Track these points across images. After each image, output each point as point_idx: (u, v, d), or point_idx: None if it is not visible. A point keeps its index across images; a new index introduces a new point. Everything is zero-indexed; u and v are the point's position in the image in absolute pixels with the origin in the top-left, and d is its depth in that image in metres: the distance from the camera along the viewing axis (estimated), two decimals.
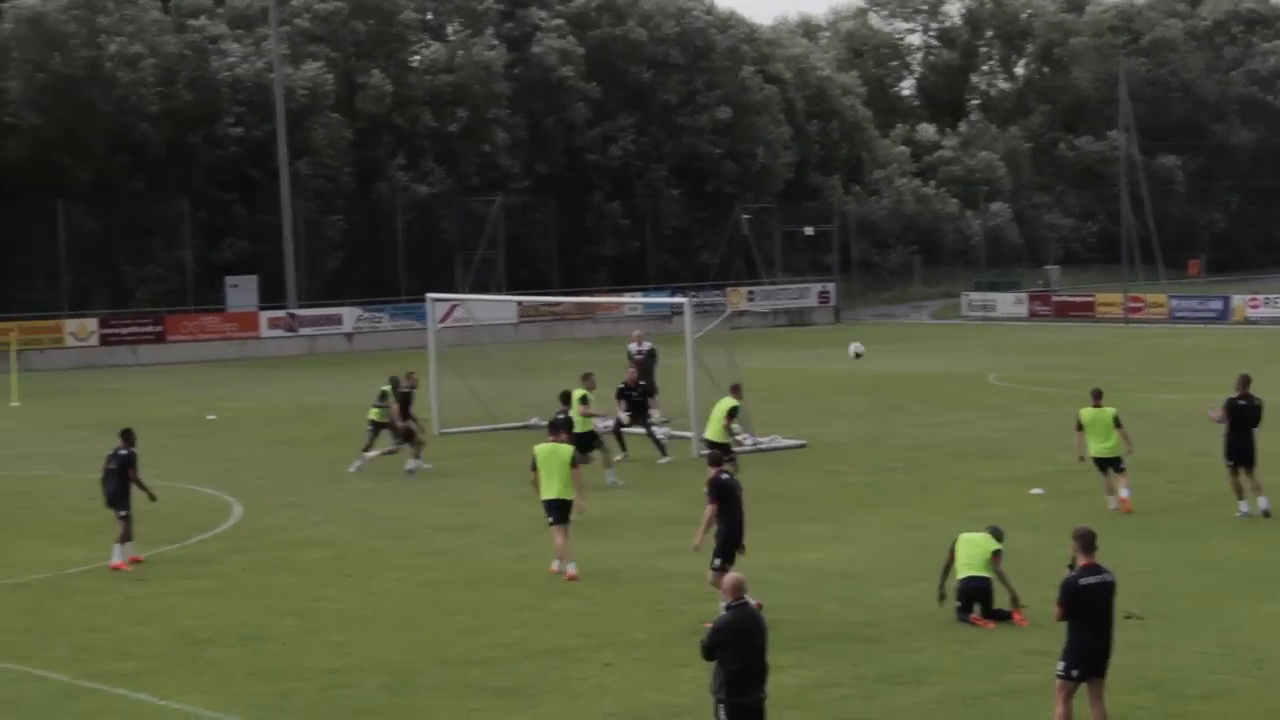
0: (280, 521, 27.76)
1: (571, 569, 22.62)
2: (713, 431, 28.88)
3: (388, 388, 32.79)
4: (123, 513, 24.25)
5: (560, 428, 24.93)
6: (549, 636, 19.65)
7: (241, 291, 68.06)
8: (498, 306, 66.93)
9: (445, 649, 19.16)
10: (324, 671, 18.26)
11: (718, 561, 19.97)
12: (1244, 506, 26.09)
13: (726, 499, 20.12)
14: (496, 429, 38.34)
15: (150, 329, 64.58)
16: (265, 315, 67.25)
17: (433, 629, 20.19)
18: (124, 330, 64.08)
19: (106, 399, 48.97)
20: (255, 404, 47.25)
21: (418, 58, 77.33)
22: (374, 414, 32.82)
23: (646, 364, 40.43)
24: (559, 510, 22.85)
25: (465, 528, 26.97)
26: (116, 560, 24.12)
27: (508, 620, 20.52)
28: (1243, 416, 26.12)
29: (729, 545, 20.12)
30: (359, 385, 49.33)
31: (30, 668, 18.54)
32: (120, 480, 24.40)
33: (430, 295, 42.46)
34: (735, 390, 29.91)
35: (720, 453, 21.74)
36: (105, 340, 63.32)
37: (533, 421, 38.50)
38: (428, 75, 75.88)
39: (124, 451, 24.55)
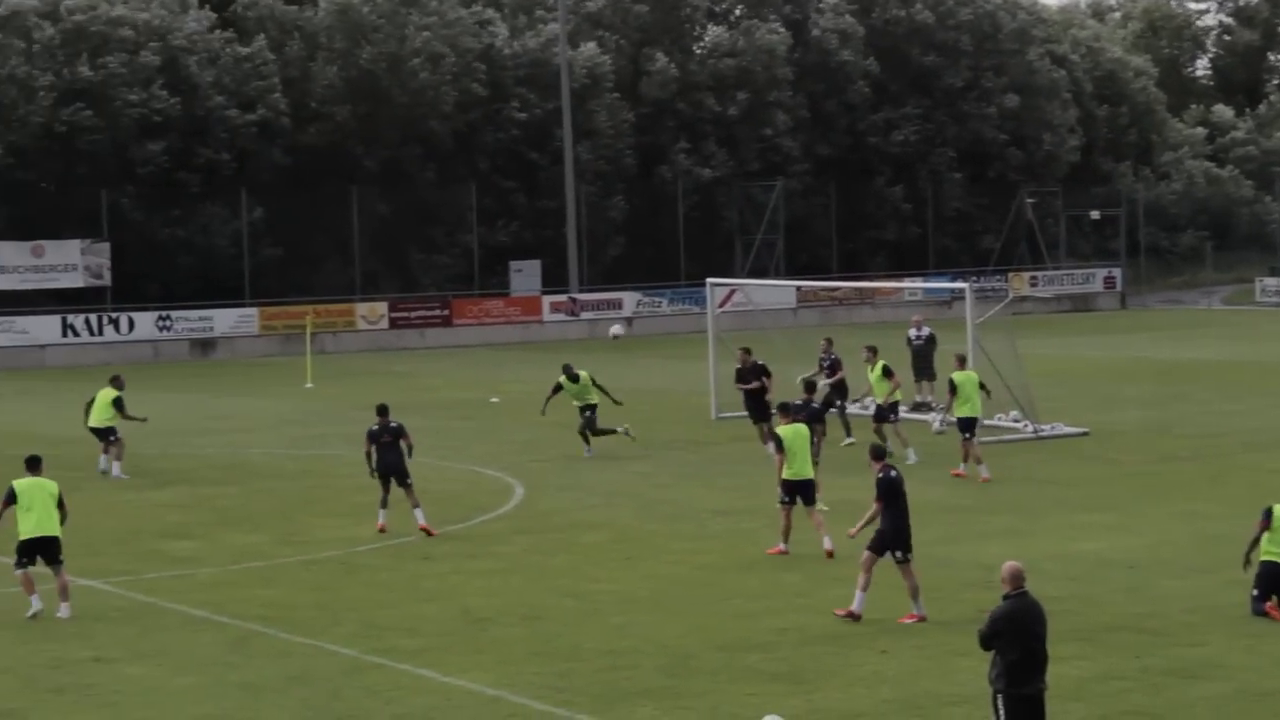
0: (560, 503, 28.16)
1: (828, 543, 23.07)
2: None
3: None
4: (408, 480, 25.35)
5: (792, 410, 24.87)
6: (825, 622, 19.59)
7: (525, 276, 69.18)
8: (776, 291, 66.85)
9: (722, 633, 19.23)
10: (602, 652, 18.47)
11: (900, 554, 19.64)
12: None
13: (893, 496, 19.80)
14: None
15: (437, 313, 66.06)
16: (547, 299, 68.26)
17: (709, 613, 20.28)
18: (412, 314, 65.66)
19: (394, 381, 50.19)
20: (537, 387, 47.86)
21: (701, 43, 77.62)
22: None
23: (925, 350, 40.03)
24: (804, 490, 23.22)
25: (742, 512, 27.03)
26: (422, 522, 25.17)
27: (784, 605, 20.51)
28: None
29: (898, 540, 19.73)
30: (638, 369, 49.77)
31: (321, 642, 19.11)
32: (396, 451, 25.24)
33: (710, 280, 42.62)
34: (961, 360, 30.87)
35: (882, 447, 20.99)
36: (394, 324, 64.95)
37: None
38: (711, 59, 76.11)
39: (394, 424, 25.58)
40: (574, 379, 33.83)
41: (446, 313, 66.17)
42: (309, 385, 49.08)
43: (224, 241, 64.94)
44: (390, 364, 56.81)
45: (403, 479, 25.53)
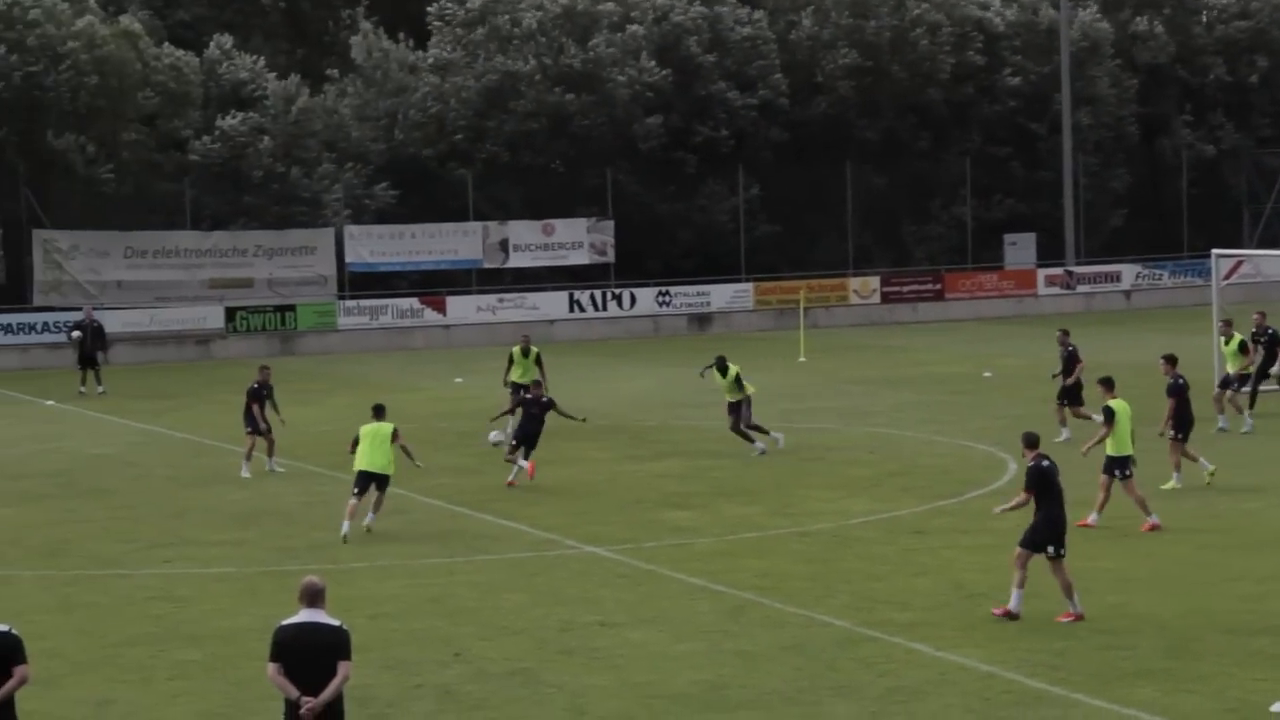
0: None
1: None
2: None
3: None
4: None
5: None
6: None
7: (1020, 249, 68.12)
8: None
9: (1227, 615, 18.60)
10: (1099, 631, 18.12)
11: (1052, 549, 18.69)
12: None
13: (1045, 487, 18.70)
14: None
15: (929, 287, 65.75)
16: (1043, 273, 67.06)
17: (1212, 593, 19.65)
18: (904, 288, 65.54)
19: (886, 355, 50.26)
20: (1030, 362, 47.21)
21: (1208, 7, 74.69)
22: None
23: None
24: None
25: (1246, 490, 26.03)
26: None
27: None
28: None
29: (1052, 534, 18.68)
30: (1137, 344, 48.41)
31: (814, 613, 19.36)
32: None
33: (1215, 251, 41.10)
34: None
35: (1036, 435, 19.66)
36: (886, 298, 64.97)
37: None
38: (1220, 24, 73.13)
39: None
40: (723, 371, 32.05)
41: (939, 286, 65.78)
42: (802, 359, 49.61)
43: (722, 218, 66.24)
44: (882, 338, 56.87)
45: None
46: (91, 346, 47.33)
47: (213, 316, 58.24)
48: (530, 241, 63.28)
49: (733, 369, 31.94)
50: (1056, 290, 66.58)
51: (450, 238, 62.36)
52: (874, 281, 65.34)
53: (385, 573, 22.32)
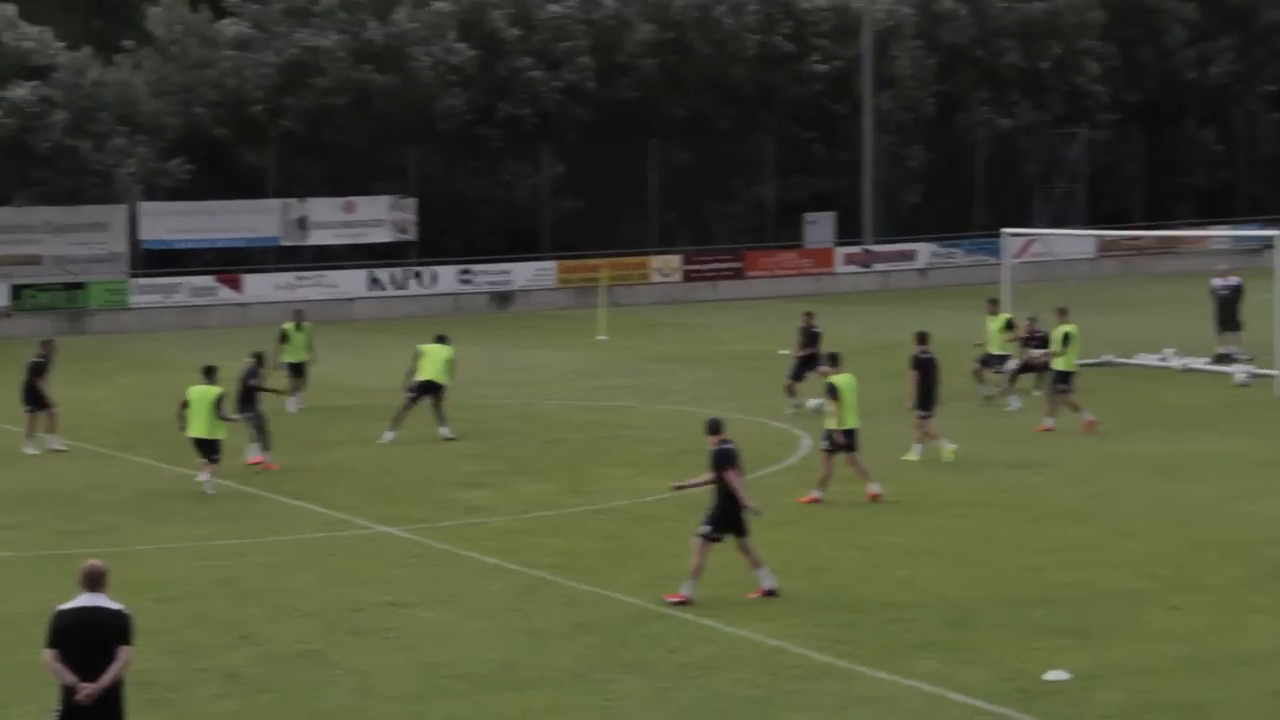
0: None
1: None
2: None
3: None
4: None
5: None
6: (1115, 578, 19.23)
7: (819, 228, 68.91)
8: (1075, 241, 65.46)
9: (1007, 587, 19.02)
10: (885, 605, 18.42)
11: (709, 531, 19.02)
12: None
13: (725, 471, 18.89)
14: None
15: (730, 265, 66.23)
16: (841, 251, 67.92)
17: (995, 566, 20.07)
18: (706, 266, 65.94)
19: (686, 333, 50.55)
20: (827, 340, 47.68)
21: None
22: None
23: (1231, 300, 38.86)
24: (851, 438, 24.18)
25: (1032, 465, 26.63)
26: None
27: (1073, 560, 20.20)
28: None
29: (731, 517, 19.01)
30: (932, 322, 49.27)
31: (607, 591, 19.43)
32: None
33: (1006, 230, 41.94)
34: None
35: (720, 420, 19.83)
36: (688, 276, 65.32)
37: (1105, 359, 37.57)
38: (1018, 4, 74.46)
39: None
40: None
41: (739, 265, 66.30)
42: (602, 337, 49.72)
43: (525, 195, 66.08)
44: (683, 316, 57.20)
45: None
46: None
47: None
48: (330, 219, 62.55)
49: (449, 349, 32.00)
50: (854, 269, 67.47)
51: (248, 215, 61.43)
52: (676, 260, 65.65)
53: (173, 555, 21.96)
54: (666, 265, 65.37)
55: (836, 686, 15.63)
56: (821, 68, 69.30)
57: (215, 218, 61.01)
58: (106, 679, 12.08)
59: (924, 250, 68.91)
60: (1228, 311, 38.75)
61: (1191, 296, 47.48)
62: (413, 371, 31.93)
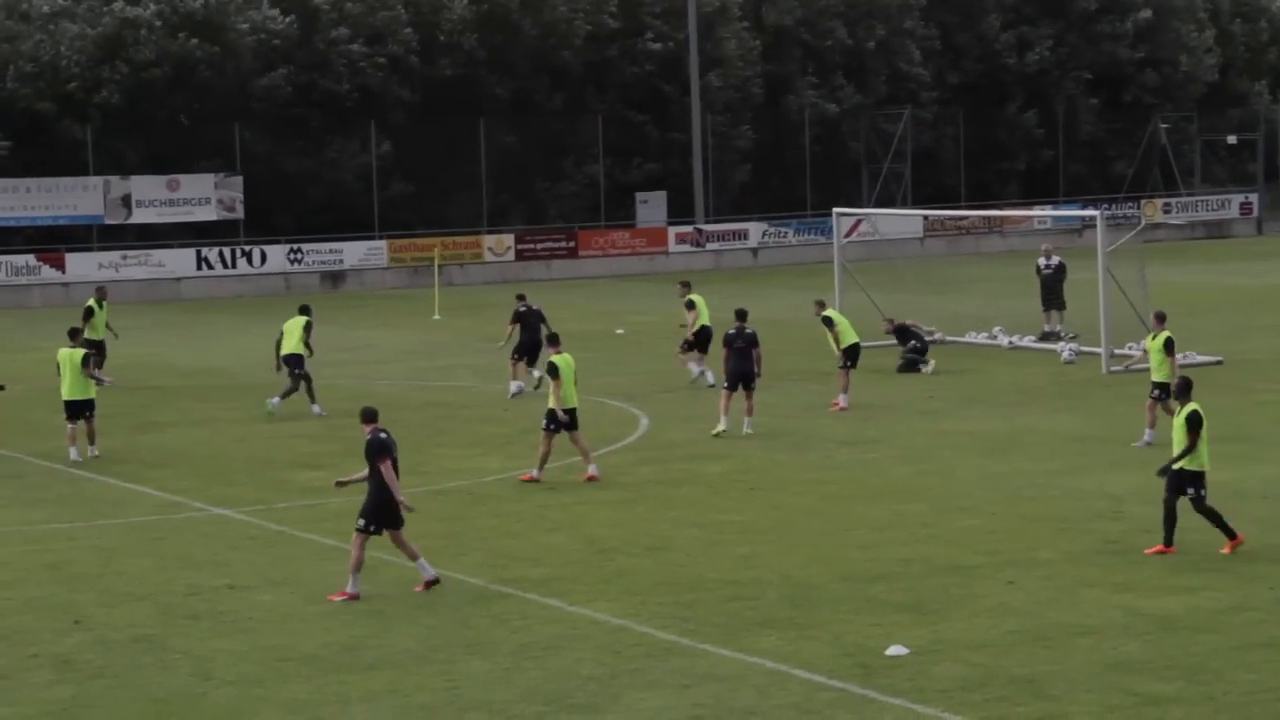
0: (685, 434, 28.21)
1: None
2: (1158, 370, 25.87)
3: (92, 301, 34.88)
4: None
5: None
6: (951, 553, 19.51)
7: (651, 208, 69.14)
8: (903, 221, 66.37)
9: (846, 563, 19.22)
10: (727, 583, 18.52)
11: (374, 527, 18.47)
12: None
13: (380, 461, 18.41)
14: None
15: (563, 244, 66.22)
16: (673, 231, 68.19)
17: (834, 543, 20.27)
18: (538, 245, 65.87)
19: None
20: (662, 318, 47.97)
21: None
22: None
23: (1055, 279, 39.62)
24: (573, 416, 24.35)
25: (867, 443, 26.95)
26: None
27: (909, 536, 20.46)
28: None
29: (383, 510, 18.55)
30: (762, 300, 49.63)
31: (448, 571, 19.31)
32: None
33: (836, 210, 42.39)
34: (1160, 319, 27.55)
35: (374, 409, 19.15)
36: (521, 255, 65.21)
37: (936, 336, 38.11)
38: None
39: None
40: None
41: (573, 244, 66.32)
42: (436, 317, 49.45)
43: (352, 175, 65.45)
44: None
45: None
46: None
47: None
48: (154, 197, 61.51)
49: (304, 318, 32.07)
50: (687, 248, 67.78)
51: (69, 193, 60.20)
52: (508, 239, 65.49)
53: None
54: (499, 244, 65.19)
55: (681, 664, 15.69)
56: (655, 46, 69.46)
57: (34, 195, 59.77)
58: None
59: (755, 230, 69.44)
60: (1052, 290, 39.49)
61: (1017, 275, 48.39)
62: (278, 348, 31.60)
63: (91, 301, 35.44)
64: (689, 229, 68.21)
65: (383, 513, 18.47)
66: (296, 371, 31.32)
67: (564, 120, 68.93)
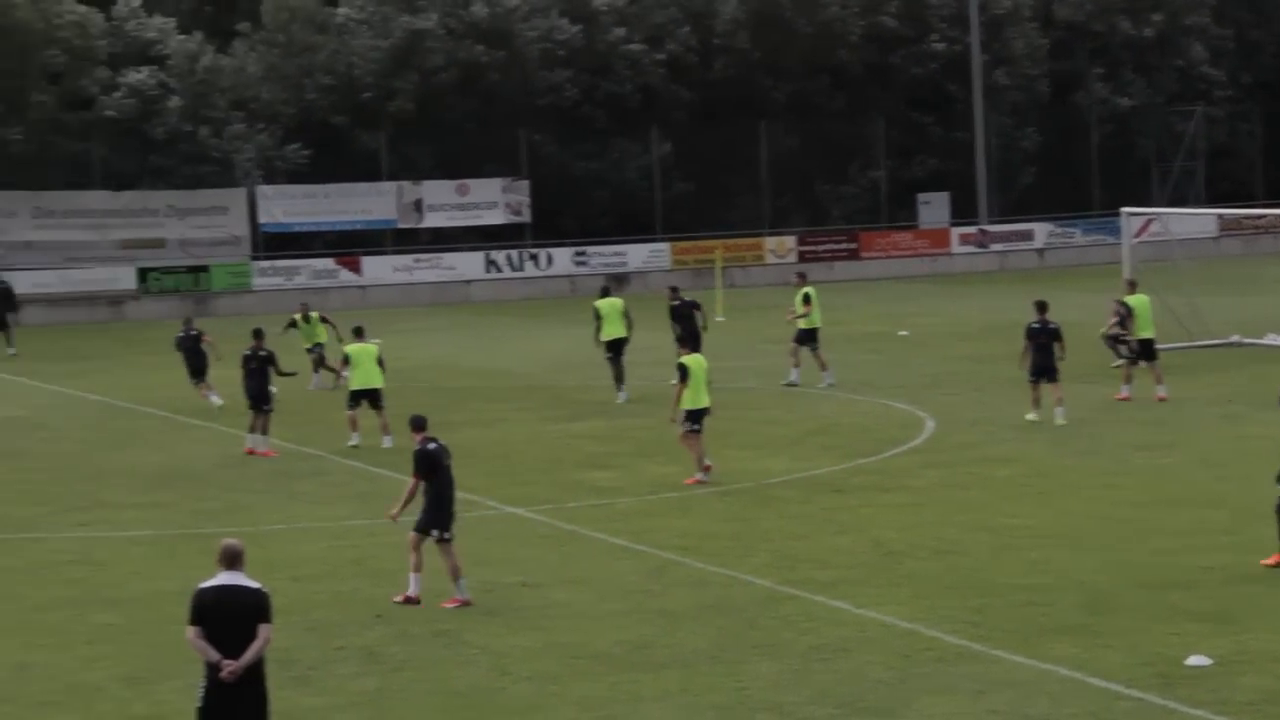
0: (971, 437, 27.91)
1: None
2: None
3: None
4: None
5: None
6: (1253, 562, 18.95)
7: (933, 208, 68.49)
8: (1196, 220, 64.56)
9: (1142, 571, 18.81)
10: (1018, 588, 18.28)
11: (436, 533, 18.36)
12: None
13: (433, 470, 18.38)
14: (1194, 346, 37.14)
15: (845, 246, 65.99)
16: (956, 232, 67.45)
17: (1129, 549, 19.86)
18: (820, 247, 65.74)
19: None
20: (946, 320, 47.57)
21: None
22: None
23: None
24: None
25: (1162, 447, 26.33)
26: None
27: (1209, 543, 19.94)
28: None
29: (439, 517, 18.43)
30: (1052, 302, 48.80)
31: (736, 572, 19.42)
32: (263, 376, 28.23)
33: (1125, 210, 41.48)
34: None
35: (424, 418, 19.14)
36: (802, 257, 65.09)
37: (1233, 339, 37.07)
38: None
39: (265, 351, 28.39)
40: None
41: (854, 246, 66.05)
42: (719, 319, 49.66)
43: (635, 176, 66.14)
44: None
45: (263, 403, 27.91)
46: (1, 308, 46.72)
47: (125, 277, 57.67)
48: (445, 201, 62.98)
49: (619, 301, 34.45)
50: (970, 249, 67.00)
51: (364, 198, 61.99)
52: (790, 241, 65.50)
53: (305, 535, 22.21)
54: (781, 246, 65.24)
55: (973, 670, 15.54)
56: (939, 47, 68.81)
57: (332, 200, 61.66)
58: (248, 656, 12.23)
59: (1041, 230, 68.31)
60: None
61: None
62: (598, 331, 33.12)
63: (297, 316, 37.11)
64: (973, 230, 67.39)
65: (442, 519, 18.51)
66: (610, 356, 32.57)
67: (845, 121, 68.66)
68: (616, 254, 63.41)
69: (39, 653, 16.83)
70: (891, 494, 23.64)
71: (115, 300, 57.08)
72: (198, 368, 33.30)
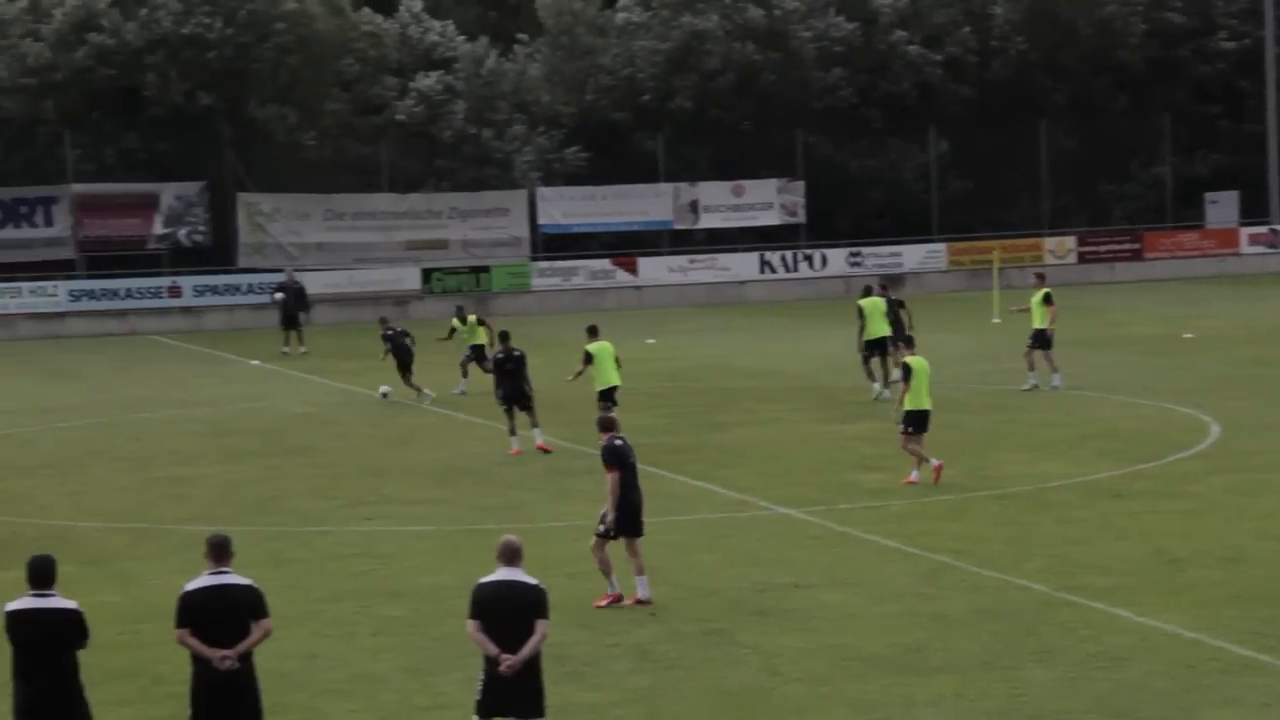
0: (1261, 443, 27.09)
1: None
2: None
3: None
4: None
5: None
6: None
7: (1221, 208, 66.61)
8: None
9: None
10: None
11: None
12: None
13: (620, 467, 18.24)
14: None
15: (1127, 247, 64.57)
16: (1246, 231, 65.49)
17: None
18: (1101, 248, 64.45)
19: (1083, 316, 49.40)
20: (1234, 323, 46.25)
21: None
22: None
23: None
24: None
25: None
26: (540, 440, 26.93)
27: None
28: None
29: (626, 515, 18.31)
30: None
31: (1010, 577, 19.17)
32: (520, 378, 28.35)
33: None
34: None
35: (612, 418, 19.09)
36: (1082, 258, 63.95)
37: None
38: None
39: (517, 352, 28.89)
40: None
41: (1137, 246, 64.59)
42: (996, 320, 49.01)
43: (911, 176, 65.63)
44: (1078, 298, 55.90)
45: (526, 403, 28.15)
46: (294, 307, 48.29)
47: (410, 277, 59.15)
48: (720, 202, 63.30)
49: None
50: (1260, 249, 65.00)
51: (641, 199, 62.61)
52: (1070, 241, 64.34)
53: (581, 532, 22.45)
54: (1060, 247, 64.13)
55: (1260, 682, 15.11)
56: (1228, 45, 66.95)
57: (609, 202, 62.40)
58: (526, 651, 12.46)
59: None
60: None
61: None
62: (861, 330, 33.44)
63: (455, 321, 37.85)
64: (1264, 229, 65.35)
65: (624, 519, 18.47)
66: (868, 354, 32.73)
67: (1128, 120, 67.18)
68: (892, 254, 63.01)
69: (326, 643, 17.39)
70: (1173, 500, 23.08)
71: (401, 300, 58.57)
72: (405, 362, 35.38)
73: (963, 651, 16.43)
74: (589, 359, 28.82)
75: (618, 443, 18.60)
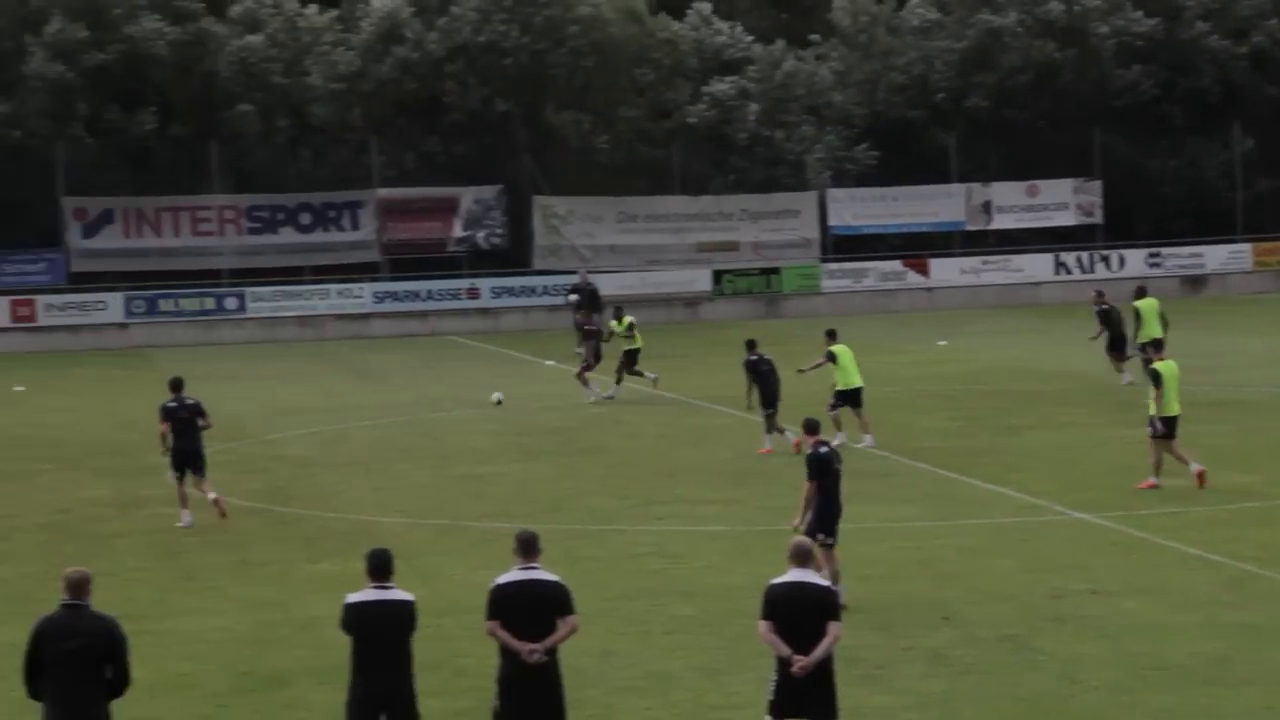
0: None
1: None
2: None
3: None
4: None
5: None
6: None
7: None
8: None
9: None
10: None
11: (822, 536, 18.14)
12: None
13: (823, 474, 18.15)
14: None
15: None
16: None
17: None
18: None
19: None
20: None
21: None
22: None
23: None
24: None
25: None
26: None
27: None
28: None
29: (824, 521, 18.18)
30: None
31: None
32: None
33: None
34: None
35: (817, 420, 19.13)
36: None
37: None
38: None
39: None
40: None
41: None
42: None
43: (1213, 174, 63.79)
44: None
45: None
46: (587, 308, 48.96)
47: (700, 279, 59.54)
48: (1013, 203, 62.39)
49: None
50: None
51: (931, 200, 62.06)
52: None
53: (871, 535, 22.41)
54: None
55: None
56: None
57: (900, 203, 61.99)
58: (819, 652, 12.45)
59: None
60: None
61: None
62: (1137, 333, 34.25)
63: (613, 322, 38.56)
64: None
65: (820, 524, 18.29)
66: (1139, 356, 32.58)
67: None
68: (1193, 255, 61.35)
69: (621, 641, 17.61)
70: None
71: (691, 301, 59.00)
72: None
73: (1273, 663, 15.95)
74: (832, 358, 29.42)
75: (823, 450, 18.53)
